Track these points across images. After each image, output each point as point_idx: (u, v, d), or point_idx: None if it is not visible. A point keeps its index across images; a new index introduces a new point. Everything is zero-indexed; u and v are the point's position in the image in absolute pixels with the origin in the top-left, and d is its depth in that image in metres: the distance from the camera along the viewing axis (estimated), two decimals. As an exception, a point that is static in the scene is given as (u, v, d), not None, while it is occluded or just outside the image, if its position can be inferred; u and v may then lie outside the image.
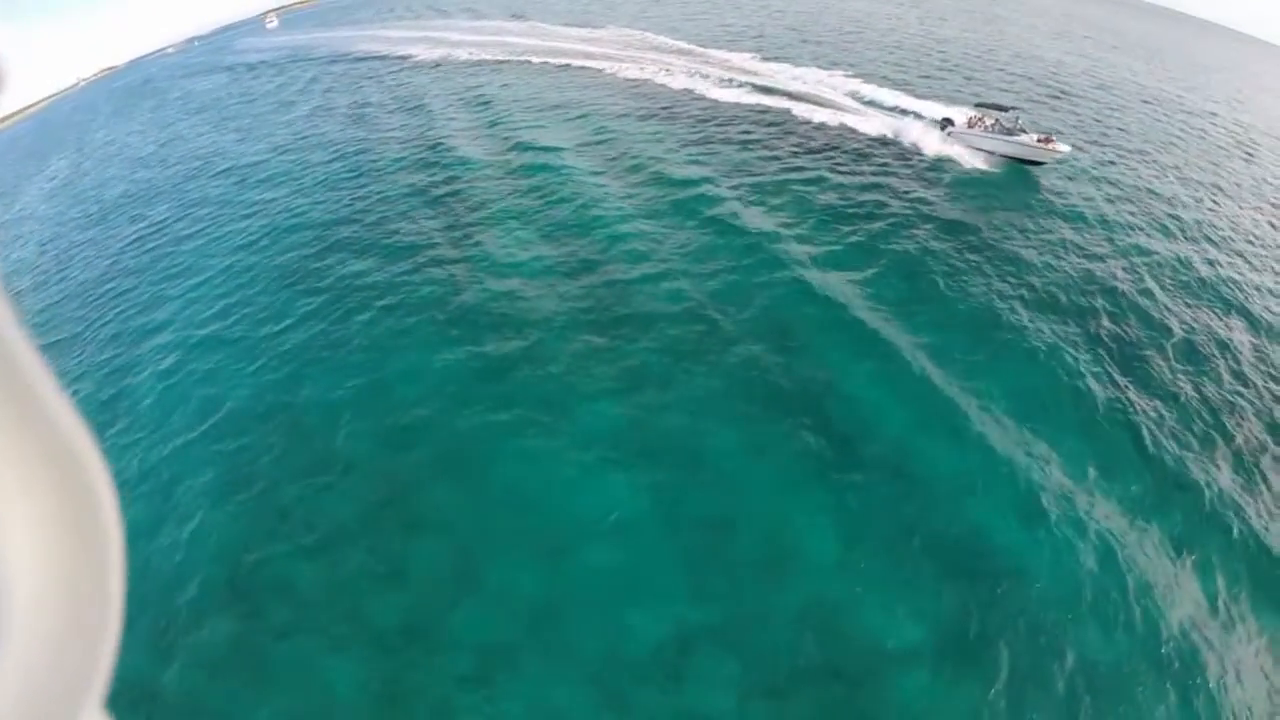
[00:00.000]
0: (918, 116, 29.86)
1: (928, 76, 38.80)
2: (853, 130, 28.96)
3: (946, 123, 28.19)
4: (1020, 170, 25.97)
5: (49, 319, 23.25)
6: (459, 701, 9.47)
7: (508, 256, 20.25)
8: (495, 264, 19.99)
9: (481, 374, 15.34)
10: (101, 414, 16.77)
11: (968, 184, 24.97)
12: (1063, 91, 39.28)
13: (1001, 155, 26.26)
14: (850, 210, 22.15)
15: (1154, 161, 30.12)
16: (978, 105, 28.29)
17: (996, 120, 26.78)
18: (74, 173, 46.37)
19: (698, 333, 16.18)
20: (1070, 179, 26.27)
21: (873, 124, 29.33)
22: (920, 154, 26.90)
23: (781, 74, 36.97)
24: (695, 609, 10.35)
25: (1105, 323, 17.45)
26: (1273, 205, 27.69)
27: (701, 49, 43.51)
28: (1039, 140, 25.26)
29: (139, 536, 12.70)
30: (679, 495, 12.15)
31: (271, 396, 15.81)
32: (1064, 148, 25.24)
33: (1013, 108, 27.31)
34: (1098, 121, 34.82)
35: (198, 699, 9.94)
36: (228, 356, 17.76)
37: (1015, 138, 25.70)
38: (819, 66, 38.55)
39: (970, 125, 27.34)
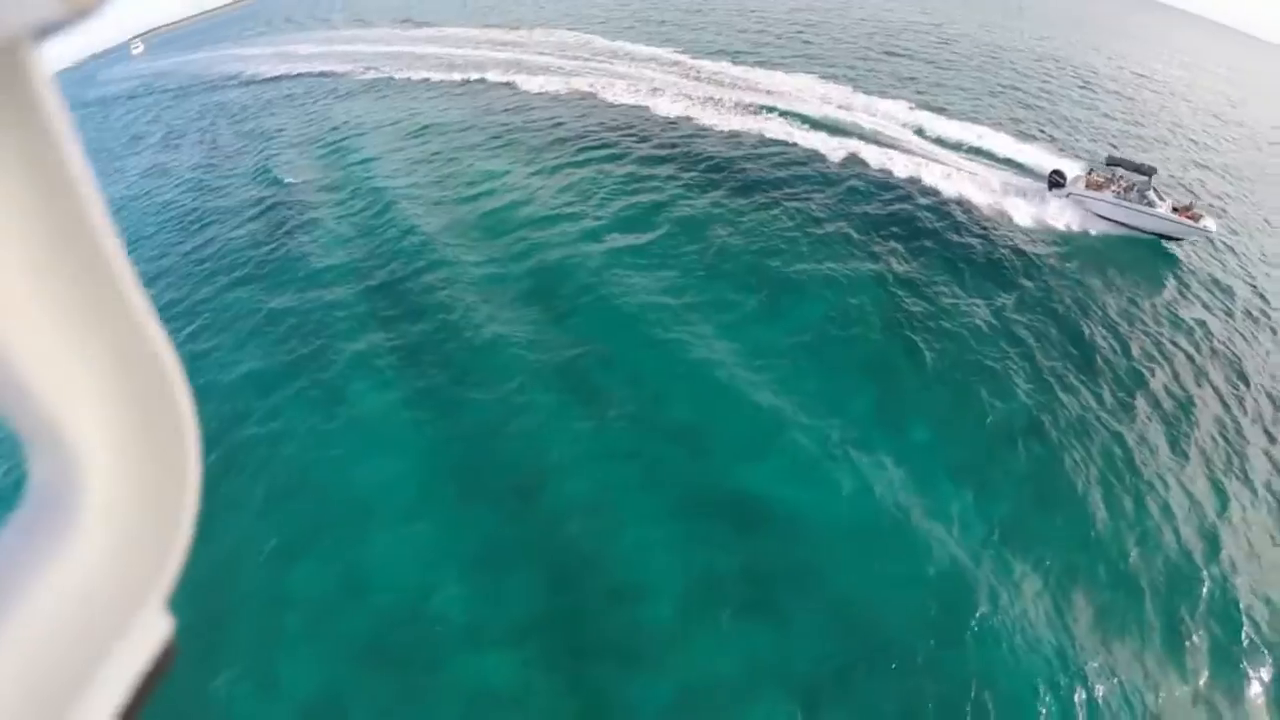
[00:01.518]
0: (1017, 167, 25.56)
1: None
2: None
3: (1056, 178, 23.37)
4: (1154, 246, 21.88)
5: None
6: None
7: (328, 276, 21.03)
8: (310, 286, 20.81)
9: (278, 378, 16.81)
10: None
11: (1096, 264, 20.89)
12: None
13: (1130, 227, 21.94)
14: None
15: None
16: (1110, 162, 22.94)
17: (1132, 184, 22.03)
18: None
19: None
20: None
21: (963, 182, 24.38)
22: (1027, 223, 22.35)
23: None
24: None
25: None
26: None
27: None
28: (1176, 210, 21.37)
29: None
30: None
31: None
32: (1211, 224, 21.09)
33: (1151, 169, 22.28)
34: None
35: None
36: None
37: (1152, 208, 21.34)
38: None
39: (1096, 186, 22.54)
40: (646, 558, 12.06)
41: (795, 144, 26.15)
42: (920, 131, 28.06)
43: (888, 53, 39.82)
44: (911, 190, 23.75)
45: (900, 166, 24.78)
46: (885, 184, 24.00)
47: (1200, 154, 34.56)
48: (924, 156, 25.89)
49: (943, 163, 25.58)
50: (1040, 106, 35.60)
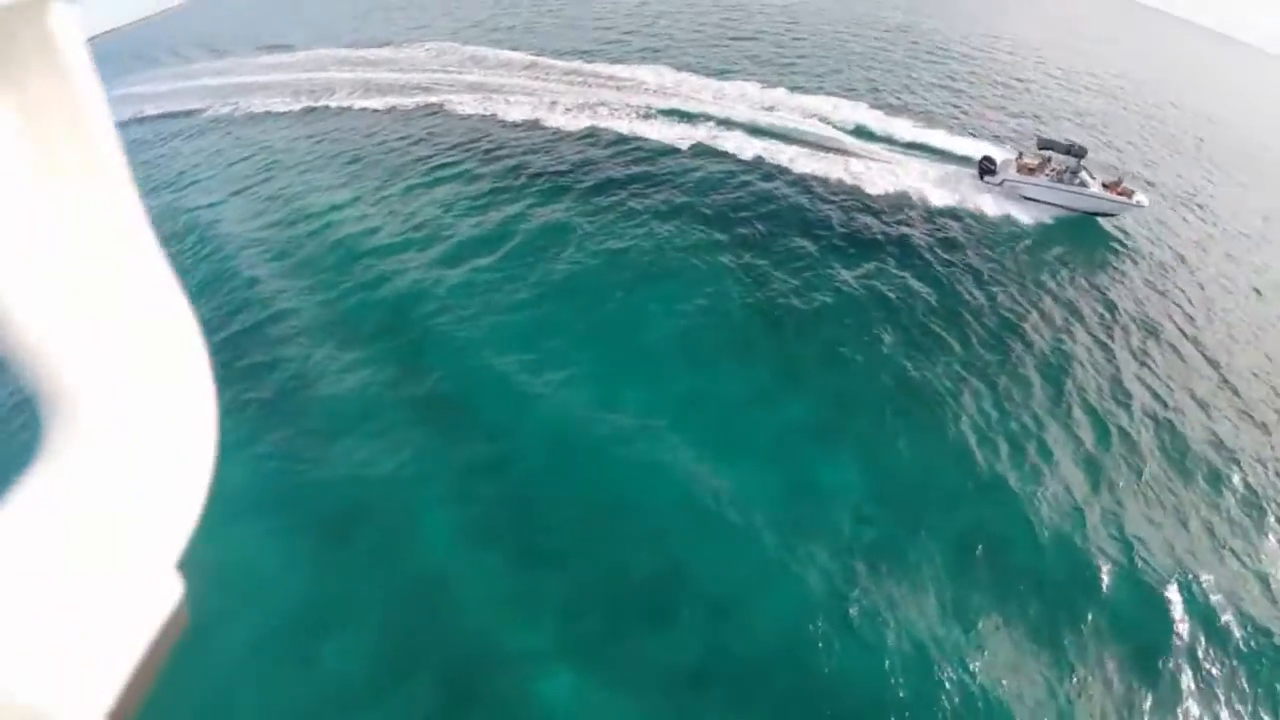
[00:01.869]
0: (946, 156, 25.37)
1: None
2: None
3: (987, 165, 23.00)
4: (1087, 224, 22.05)
5: None
6: None
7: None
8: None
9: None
10: None
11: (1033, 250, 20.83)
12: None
13: (1064, 208, 22.07)
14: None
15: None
16: (1041, 145, 22.69)
17: (1065, 166, 22.04)
18: None
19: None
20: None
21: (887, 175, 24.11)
22: (954, 210, 22.12)
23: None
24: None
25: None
26: None
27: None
28: (1107, 187, 21.63)
29: None
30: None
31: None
32: (1143, 199, 21.49)
33: (1082, 149, 22.12)
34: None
35: None
36: None
37: (1086, 188, 21.55)
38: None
39: (1028, 170, 22.41)
40: (518, 584, 12.06)
41: (648, 137, 26.51)
42: (773, 110, 28.99)
43: (735, 37, 40.74)
44: (770, 170, 24.50)
45: (752, 150, 25.61)
46: (742, 167, 24.66)
47: (1055, 105, 37.00)
48: (778, 138, 26.80)
49: (802, 142, 26.55)
50: (895, 73, 37.25)
